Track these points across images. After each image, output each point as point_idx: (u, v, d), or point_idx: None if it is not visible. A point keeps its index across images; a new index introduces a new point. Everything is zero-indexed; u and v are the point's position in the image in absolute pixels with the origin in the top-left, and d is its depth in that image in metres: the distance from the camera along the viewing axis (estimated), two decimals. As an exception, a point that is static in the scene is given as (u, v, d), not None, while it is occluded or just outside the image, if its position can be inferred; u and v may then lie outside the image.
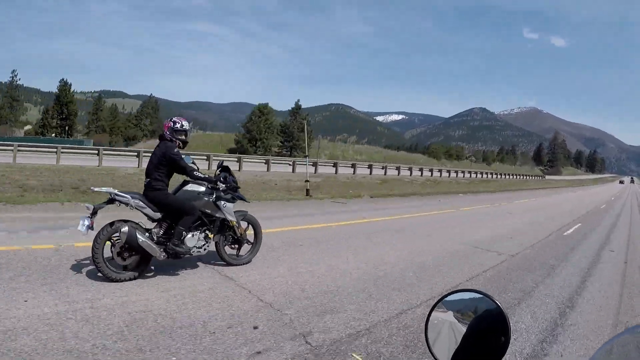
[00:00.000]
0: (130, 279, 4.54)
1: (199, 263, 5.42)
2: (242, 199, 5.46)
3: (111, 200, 4.66)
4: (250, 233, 5.69)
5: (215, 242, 5.33)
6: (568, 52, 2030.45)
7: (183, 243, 4.87)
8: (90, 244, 4.45)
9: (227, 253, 5.43)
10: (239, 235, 5.44)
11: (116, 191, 4.66)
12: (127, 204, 4.66)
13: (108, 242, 4.51)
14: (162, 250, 4.72)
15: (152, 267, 5.08)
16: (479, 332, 1.11)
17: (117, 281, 4.43)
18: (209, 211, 5.11)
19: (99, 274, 4.43)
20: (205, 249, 5.14)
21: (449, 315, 1.21)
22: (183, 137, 5.04)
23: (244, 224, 5.62)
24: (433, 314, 1.24)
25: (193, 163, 5.41)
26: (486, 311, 1.14)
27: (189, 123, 5.18)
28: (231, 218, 5.27)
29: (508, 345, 1.04)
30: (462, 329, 1.15)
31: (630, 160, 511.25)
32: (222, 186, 5.11)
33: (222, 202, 5.16)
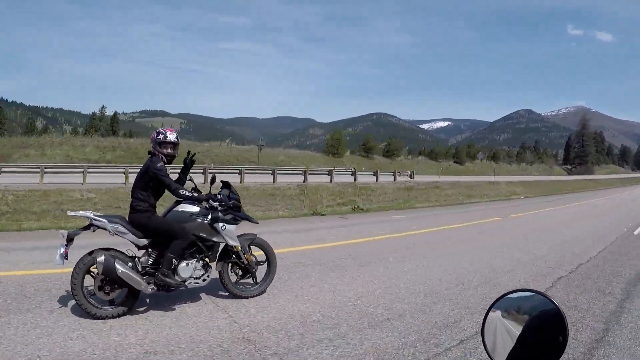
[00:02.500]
0: (116, 316, 3.87)
1: (202, 295, 4.62)
2: (247, 219, 4.63)
3: (90, 226, 3.98)
4: (259, 253, 4.83)
5: (219, 272, 4.51)
6: (615, 46, 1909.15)
7: (176, 273, 4.12)
8: None
9: (233, 283, 4.59)
10: (246, 262, 4.59)
11: (92, 214, 3.97)
12: (105, 229, 3.96)
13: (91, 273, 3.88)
14: (151, 281, 3.99)
15: (147, 300, 4.36)
16: (535, 332, 1.09)
17: (101, 318, 3.79)
18: (205, 235, 4.30)
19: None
20: (204, 280, 4.33)
21: (506, 316, 1.19)
22: (169, 150, 4.27)
23: (255, 250, 4.80)
24: (490, 314, 1.23)
25: (190, 180, 4.67)
26: (543, 311, 1.11)
27: (176, 134, 4.38)
28: (233, 243, 4.44)
29: (565, 345, 1.01)
30: (519, 329, 1.13)
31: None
32: (215, 204, 4.30)
33: (221, 225, 4.33)
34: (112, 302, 3.93)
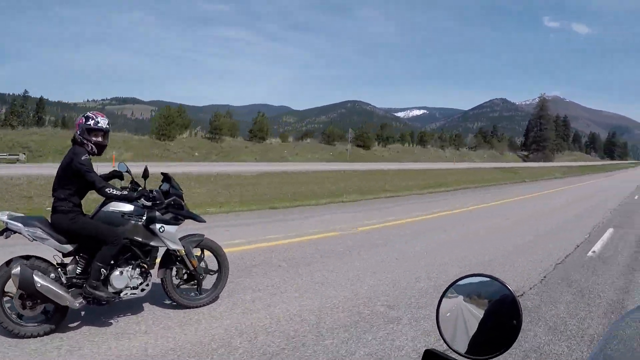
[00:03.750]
0: (42, 334, 3.36)
1: (147, 305, 4.14)
2: (191, 217, 4.12)
3: (5, 230, 3.45)
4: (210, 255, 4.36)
5: (161, 279, 4.03)
6: (591, 38, 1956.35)
7: (108, 284, 3.61)
8: None
9: (178, 291, 4.12)
10: (192, 268, 4.11)
11: (5, 217, 3.41)
12: (21, 234, 3.43)
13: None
14: (78, 295, 3.49)
15: (82, 313, 3.86)
16: (495, 317, 1.11)
17: (24, 337, 3.30)
18: (140, 239, 3.78)
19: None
20: (143, 290, 3.84)
21: (461, 301, 1.20)
22: (100, 139, 3.68)
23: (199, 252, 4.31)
24: (444, 300, 1.23)
25: (128, 172, 4.14)
26: (503, 295, 1.13)
27: (108, 120, 3.77)
28: (175, 247, 3.93)
29: (520, 328, 1.04)
30: (477, 314, 1.14)
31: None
32: (147, 203, 3.78)
33: (159, 226, 3.81)
34: (38, 318, 3.43)
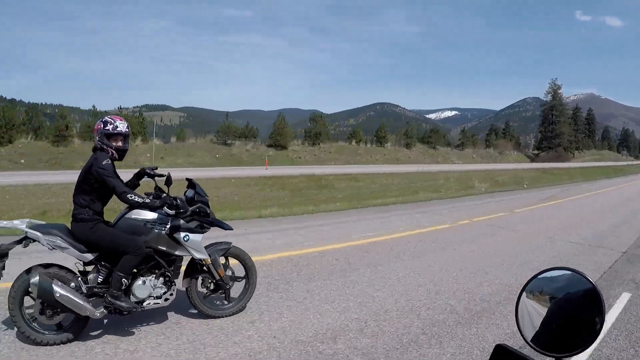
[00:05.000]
0: (59, 343, 3.29)
1: (171, 314, 3.96)
2: (218, 225, 3.89)
3: (24, 239, 3.33)
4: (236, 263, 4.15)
5: (186, 289, 3.84)
6: (625, 31, 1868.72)
7: (130, 293, 3.44)
8: None
9: (204, 301, 3.92)
10: (219, 278, 3.90)
11: (24, 225, 3.28)
12: (40, 242, 3.31)
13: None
14: (99, 304, 3.34)
15: (105, 321, 3.75)
16: (572, 312, 1.07)
17: (43, 344, 3.25)
18: (164, 248, 3.59)
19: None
20: (167, 299, 3.66)
21: (530, 297, 1.16)
22: (120, 143, 3.53)
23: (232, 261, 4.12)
24: (524, 294, 1.18)
25: (152, 176, 3.95)
26: (579, 290, 1.08)
27: (127, 123, 3.61)
28: (200, 256, 3.73)
29: (602, 325, 0.98)
30: (556, 309, 1.09)
31: None
32: (170, 212, 3.55)
33: (183, 235, 3.61)
34: (60, 327, 3.34)
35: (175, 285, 3.72)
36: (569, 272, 1.14)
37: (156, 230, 3.55)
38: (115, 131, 3.48)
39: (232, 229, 4.07)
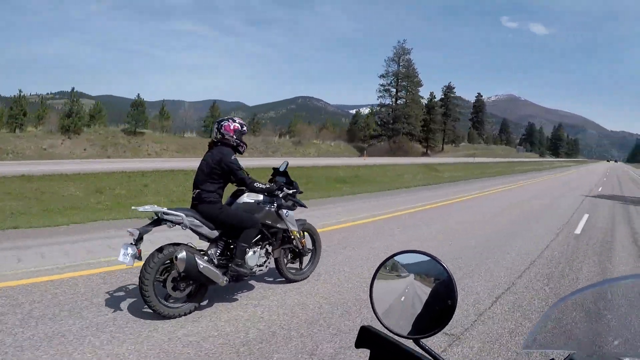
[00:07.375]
0: (188, 312, 3.80)
1: (254, 283, 4.72)
2: (302, 205, 4.77)
3: (158, 221, 3.85)
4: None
5: (275, 258, 4.63)
6: (548, 39, 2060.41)
7: (245, 263, 4.16)
8: None
9: (288, 268, 4.76)
10: (301, 247, 4.78)
11: (164, 209, 3.85)
12: (180, 224, 3.87)
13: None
14: (223, 274, 4.00)
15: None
16: (438, 298, 1.06)
17: (171, 317, 3.69)
18: (270, 222, 4.41)
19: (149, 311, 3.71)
20: (267, 267, 4.43)
21: (417, 278, 1.11)
22: (245, 140, 4.36)
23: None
24: (378, 274, 1.16)
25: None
26: (444, 276, 1.08)
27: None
28: (294, 228, 4.62)
29: (455, 309, 1.02)
30: (427, 292, 1.07)
31: (612, 146, 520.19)
32: (286, 193, 4.48)
33: (285, 211, 4.49)
34: (183, 299, 3.83)
35: (271, 255, 4.50)
36: (425, 257, 1.14)
37: (267, 208, 4.36)
38: (246, 131, 4.33)
39: (307, 207, 5.08)
